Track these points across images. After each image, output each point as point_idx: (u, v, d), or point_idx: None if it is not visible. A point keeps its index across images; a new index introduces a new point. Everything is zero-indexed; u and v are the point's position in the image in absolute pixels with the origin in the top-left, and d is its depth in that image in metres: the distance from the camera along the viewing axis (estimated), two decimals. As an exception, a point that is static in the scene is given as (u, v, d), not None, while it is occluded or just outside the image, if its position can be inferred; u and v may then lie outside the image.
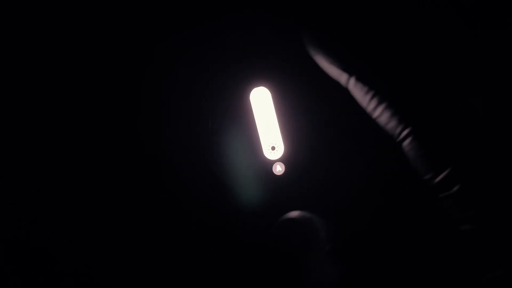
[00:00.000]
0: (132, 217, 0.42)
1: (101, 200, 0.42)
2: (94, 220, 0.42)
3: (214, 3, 0.41)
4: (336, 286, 0.33)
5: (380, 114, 0.31)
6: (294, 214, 0.37)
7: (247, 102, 0.39)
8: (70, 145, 0.42)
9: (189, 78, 0.42)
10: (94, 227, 0.42)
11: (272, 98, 0.39)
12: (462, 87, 0.32)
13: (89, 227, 0.42)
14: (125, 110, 0.43)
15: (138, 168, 0.43)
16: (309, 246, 0.36)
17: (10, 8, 0.41)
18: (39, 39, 0.42)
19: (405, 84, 0.32)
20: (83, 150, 0.42)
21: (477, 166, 0.28)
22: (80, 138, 0.42)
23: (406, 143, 0.30)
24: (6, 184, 0.42)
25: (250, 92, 0.39)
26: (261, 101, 0.39)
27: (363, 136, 0.41)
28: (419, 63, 0.33)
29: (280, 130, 0.38)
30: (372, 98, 0.32)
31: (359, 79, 0.32)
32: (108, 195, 0.42)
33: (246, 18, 0.41)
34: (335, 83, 0.41)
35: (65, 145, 0.42)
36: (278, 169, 0.38)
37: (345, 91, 0.42)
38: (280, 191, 0.39)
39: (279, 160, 0.38)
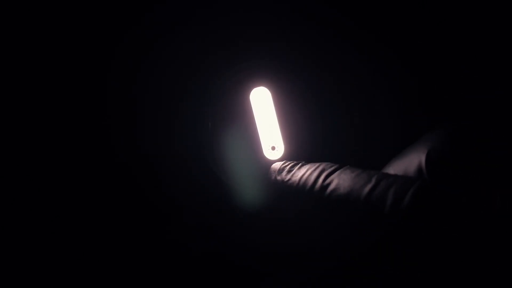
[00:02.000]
0: (131, 217, 0.42)
1: (100, 200, 0.42)
2: (92, 220, 0.42)
3: (214, 3, 0.41)
4: None
5: None
6: None
7: (247, 102, 0.38)
8: (70, 145, 0.42)
9: (189, 78, 0.42)
10: (92, 227, 0.42)
11: (272, 98, 0.38)
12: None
13: (87, 227, 0.42)
14: (124, 110, 0.43)
15: (138, 168, 0.43)
16: None
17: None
18: (34, 38, 0.42)
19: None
20: (82, 150, 0.42)
21: None
22: (79, 138, 0.42)
23: None
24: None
25: (250, 92, 0.39)
26: (261, 101, 0.39)
27: (363, 135, 0.42)
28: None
29: (280, 130, 0.38)
30: None
31: None
32: (107, 195, 0.42)
33: (247, 18, 0.42)
34: (335, 83, 0.42)
35: (66, 145, 0.42)
36: (278, 169, 0.38)
37: (344, 92, 0.42)
38: (280, 191, 0.39)
39: (279, 160, 0.38)
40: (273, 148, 0.38)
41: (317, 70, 0.41)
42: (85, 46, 0.42)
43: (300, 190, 0.32)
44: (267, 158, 0.38)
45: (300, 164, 0.34)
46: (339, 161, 0.33)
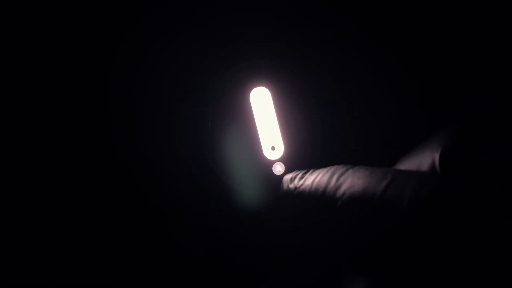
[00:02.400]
0: (131, 217, 0.42)
1: (99, 200, 0.42)
2: (92, 220, 0.42)
3: (214, 3, 0.41)
4: None
5: None
6: None
7: (247, 102, 0.38)
8: (70, 145, 0.42)
9: (189, 78, 0.42)
10: (92, 227, 0.42)
11: (272, 98, 0.38)
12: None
13: (86, 227, 0.42)
14: (124, 110, 0.43)
15: (138, 168, 0.43)
16: None
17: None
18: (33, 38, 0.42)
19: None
20: (82, 150, 0.42)
21: None
22: (79, 138, 0.42)
23: None
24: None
25: (250, 92, 0.39)
26: (261, 101, 0.38)
27: (363, 135, 0.42)
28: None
29: (280, 130, 0.38)
30: None
31: None
32: (107, 195, 0.42)
33: (247, 18, 0.42)
34: (335, 83, 0.42)
35: (65, 145, 0.42)
36: (278, 169, 0.38)
37: (344, 92, 0.42)
38: (280, 191, 0.39)
39: (279, 160, 0.38)
40: (273, 148, 0.38)
41: (317, 70, 0.41)
42: (85, 46, 0.42)
43: (313, 193, 0.32)
44: (267, 158, 0.38)
45: (312, 170, 0.34)
46: (339, 161, 0.33)
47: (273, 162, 0.38)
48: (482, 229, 0.24)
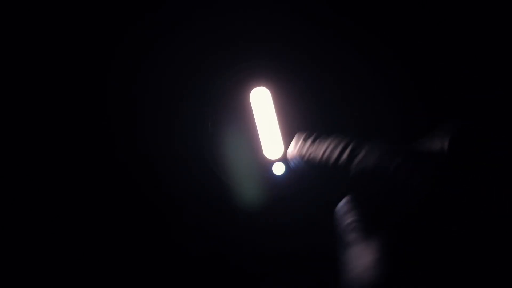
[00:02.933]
0: (131, 217, 0.42)
1: (100, 200, 0.42)
2: (92, 220, 0.42)
3: (214, 3, 0.41)
4: None
5: None
6: None
7: (247, 102, 0.38)
8: (70, 145, 0.42)
9: (189, 78, 0.42)
10: (92, 227, 0.42)
11: (272, 98, 0.38)
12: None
13: (87, 227, 0.42)
14: (124, 110, 0.43)
15: (138, 168, 0.43)
16: None
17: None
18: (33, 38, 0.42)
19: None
20: (82, 150, 0.42)
21: None
22: (79, 138, 0.42)
23: None
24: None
25: (250, 92, 0.39)
26: (261, 101, 0.38)
27: (363, 135, 0.42)
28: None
29: (280, 130, 0.38)
30: None
31: None
32: (107, 195, 0.42)
33: (247, 18, 0.42)
34: (335, 83, 0.42)
35: (66, 145, 0.42)
36: (278, 169, 0.38)
37: (344, 92, 0.42)
38: (280, 191, 0.39)
39: (279, 160, 0.38)
40: (273, 148, 0.38)
41: (317, 70, 0.41)
42: (85, 46, 0.42)
43: (324, 162, 0.32)
44: (267, 158, 0.38)
45: (323, 137, 0.33)
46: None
47: (273, 162, 0.38)
48: (487, 226, 0.24)
